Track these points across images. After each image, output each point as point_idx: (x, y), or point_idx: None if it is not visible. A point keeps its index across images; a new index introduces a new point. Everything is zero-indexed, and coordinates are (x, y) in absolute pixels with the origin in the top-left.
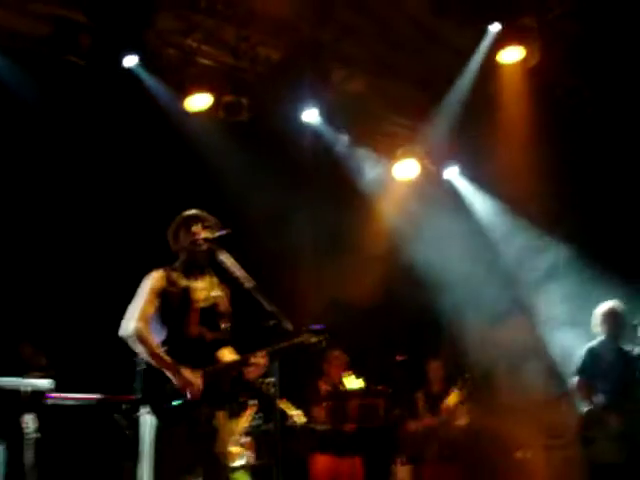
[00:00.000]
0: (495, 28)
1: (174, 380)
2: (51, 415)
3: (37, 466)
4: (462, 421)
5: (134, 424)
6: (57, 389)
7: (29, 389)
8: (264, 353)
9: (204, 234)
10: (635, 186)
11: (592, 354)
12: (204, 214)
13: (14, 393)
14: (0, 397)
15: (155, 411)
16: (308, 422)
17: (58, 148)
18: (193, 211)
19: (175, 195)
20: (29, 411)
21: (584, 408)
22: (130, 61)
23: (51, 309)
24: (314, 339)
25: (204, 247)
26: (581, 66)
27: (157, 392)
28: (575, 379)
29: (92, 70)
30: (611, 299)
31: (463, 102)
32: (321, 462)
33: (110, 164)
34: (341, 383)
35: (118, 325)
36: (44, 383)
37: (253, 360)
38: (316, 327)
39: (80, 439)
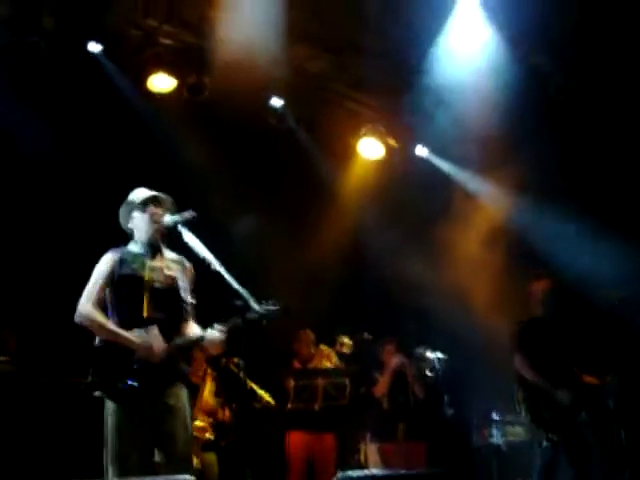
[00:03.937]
0: None
1: (134, 348)
2: (12, 399)
3: None
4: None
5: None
6: (21, 373)
7: None
8: (221, 329)
9: (167, 217)
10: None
11: (533, 328)
12: (162, 195)
13: None
14: None
15: (107, 393)
16: (284, 398)
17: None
18: (148, 192)
19: (135, 177)
20: None
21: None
22: (94, 47)
23: (15, 293)
24: (267, 312)
25: (162, 229)
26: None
27: (109, 373)
28: (518, 355)
29: (54, 53)
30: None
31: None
32: (296, 439)
33: (73, 146)
34: (310, 361)
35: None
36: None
37: (209, 336)
38: (272, 304)
39: (42, 421)
